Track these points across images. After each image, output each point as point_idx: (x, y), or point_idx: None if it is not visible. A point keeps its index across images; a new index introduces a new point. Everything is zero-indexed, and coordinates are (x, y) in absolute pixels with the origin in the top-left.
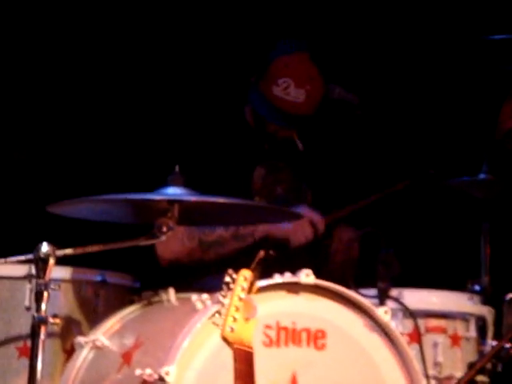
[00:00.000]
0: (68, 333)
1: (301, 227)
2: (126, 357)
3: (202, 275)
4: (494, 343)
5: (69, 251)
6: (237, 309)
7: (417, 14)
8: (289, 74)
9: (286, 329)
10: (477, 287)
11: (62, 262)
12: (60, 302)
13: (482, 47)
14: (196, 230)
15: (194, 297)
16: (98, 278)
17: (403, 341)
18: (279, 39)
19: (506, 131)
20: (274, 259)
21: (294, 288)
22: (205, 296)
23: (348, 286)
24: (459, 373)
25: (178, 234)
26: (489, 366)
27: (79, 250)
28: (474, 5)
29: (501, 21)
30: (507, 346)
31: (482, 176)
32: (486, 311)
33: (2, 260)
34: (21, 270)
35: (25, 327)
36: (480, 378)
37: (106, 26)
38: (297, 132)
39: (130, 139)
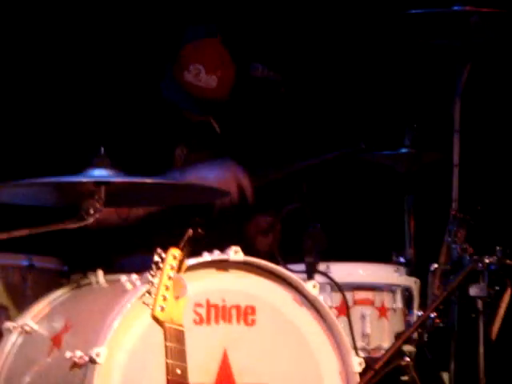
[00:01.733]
0: None
1: (225, 182)
2: (56, 340)
3: (130, 253)
4: (420, 313)
5: None
6: (167, 288)
7: None
8: (199, 61)
9: (216, 306)
10: (402, 259)
11: None
12: None
13: (401, 22)
14: None
15: (124, 277)
16: (25, 263)
17: (332, 314)
18: (190, 24)
19: None
20: (202, 237)
21: (223, 265)
22: (134, 276)
23: (276, 262)
24: (387, 343)
25: None
26: (415, 335)
27: (5, 235)
28: None
29: None
30: (432, 315)
31: (403, 150)
32: (412, 282)
33: None
34: None
35: None
36: (407, 347)
37: (18, 18)
38: (213, 117)
39: (53, 122)
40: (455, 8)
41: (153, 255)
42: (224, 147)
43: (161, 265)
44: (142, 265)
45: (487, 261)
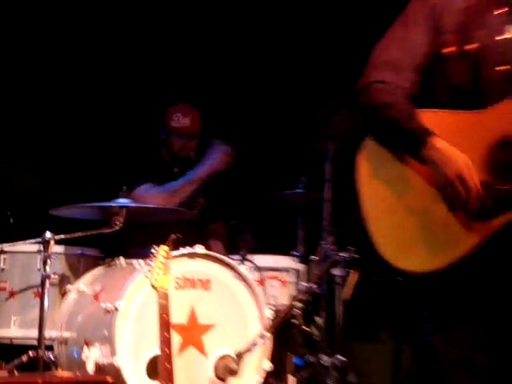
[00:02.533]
0: (62, 283)
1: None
2: (96, 296)
3: (139, 246)
4: (306, 284)
5: (62, 236)
6: (159, 268)
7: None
8: (177, 111)
9: (187, 279)
10: (296, 253)
11: (59, 242)
12: (58, 266)
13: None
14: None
15: (135, 261)
16: (79, 251)
17: (255, 284)
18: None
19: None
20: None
21: (192, 255)
22: (141, 261)
23: (223, 254)
24: (286, 301)
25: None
26: (303, 297)
27: (68, 236)
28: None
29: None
30: (313, 286)
31: (298, 190)
32: (301, 267)
33: (24, 241)
34: (35, 247)
35: (38, 280)
36: (297, 304)
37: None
38: (193, 150)
39: (99, 170)
40: None
41: (151, 249)
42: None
43: (156, 254)
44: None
45: (343, 255)
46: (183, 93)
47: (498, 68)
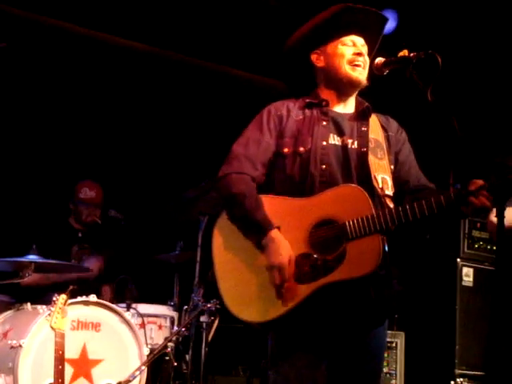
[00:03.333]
0: None
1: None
2: (5, 334)
3: (44, 294)
4: (176, 328)
5: None
6: (58, 312)
7: None
8: (85, 186)
9: (81, 322)
10: (171, 303)
11: None
12: None
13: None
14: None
15: (39, 307)
16: None
17: (136, 328)
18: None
19: None
20: (78, 289)
21: (86, 303)
22: (44, 306)
23: (112, 302)
24: (161, 341)
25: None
26: (175, 338)
27: None
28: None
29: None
30: (183, 329)
31: (176, 252)
32: (175, 314)
33: None
34: None
35: None
36: (170, 344)
37: None
38: (98, 217)
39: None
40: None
41: (52, 297)
42: (100, 245)
43: (56, 302)
44: (47, 300)
45: (209, 305)
46: (87, 171)
47: (321, 166)
